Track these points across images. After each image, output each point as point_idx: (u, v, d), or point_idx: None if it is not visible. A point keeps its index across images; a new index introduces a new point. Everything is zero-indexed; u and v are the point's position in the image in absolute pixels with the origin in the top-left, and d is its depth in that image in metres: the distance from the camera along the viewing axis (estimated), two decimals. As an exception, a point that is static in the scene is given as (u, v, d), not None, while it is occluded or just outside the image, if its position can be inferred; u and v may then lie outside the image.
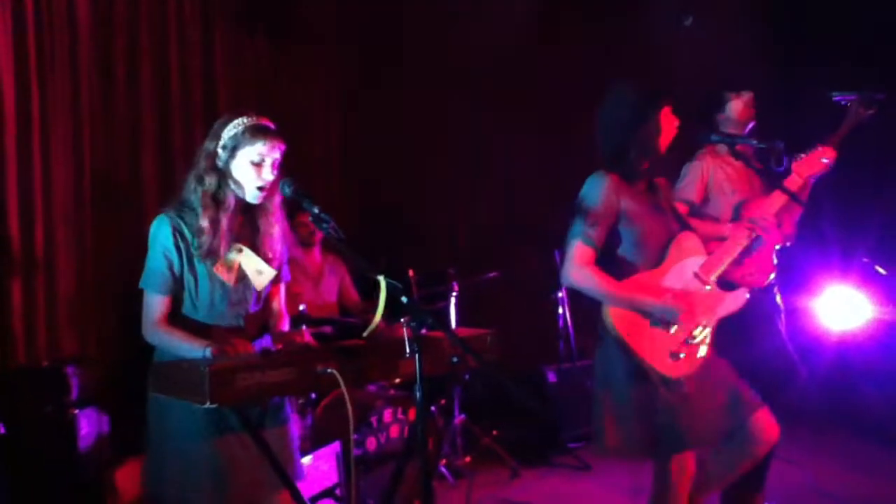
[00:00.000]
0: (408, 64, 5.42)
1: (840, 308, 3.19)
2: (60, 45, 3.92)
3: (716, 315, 2.60)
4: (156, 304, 2.30)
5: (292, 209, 4.03)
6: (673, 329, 2.51)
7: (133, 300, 2.38)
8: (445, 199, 5.71)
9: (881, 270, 3.19)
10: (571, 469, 4.44)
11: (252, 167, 2.31)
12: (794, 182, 2.84)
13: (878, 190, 3.82)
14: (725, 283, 2.66)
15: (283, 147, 2.35)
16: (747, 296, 2.64)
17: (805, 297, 3.43)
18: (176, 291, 2.32)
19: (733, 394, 2.60)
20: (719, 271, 2.64)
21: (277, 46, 4.98)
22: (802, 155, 2.86)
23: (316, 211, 2.18)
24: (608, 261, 2.57)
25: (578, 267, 2.52)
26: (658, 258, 2.58)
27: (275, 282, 2.49)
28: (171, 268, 2.30)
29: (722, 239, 2.99)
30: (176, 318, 2.33)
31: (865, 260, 3.28)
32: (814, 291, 3.46)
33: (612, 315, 2.52)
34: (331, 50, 5.31)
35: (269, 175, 2.32)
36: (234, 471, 2.27)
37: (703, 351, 2.56)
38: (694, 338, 2.53)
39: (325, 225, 2.17)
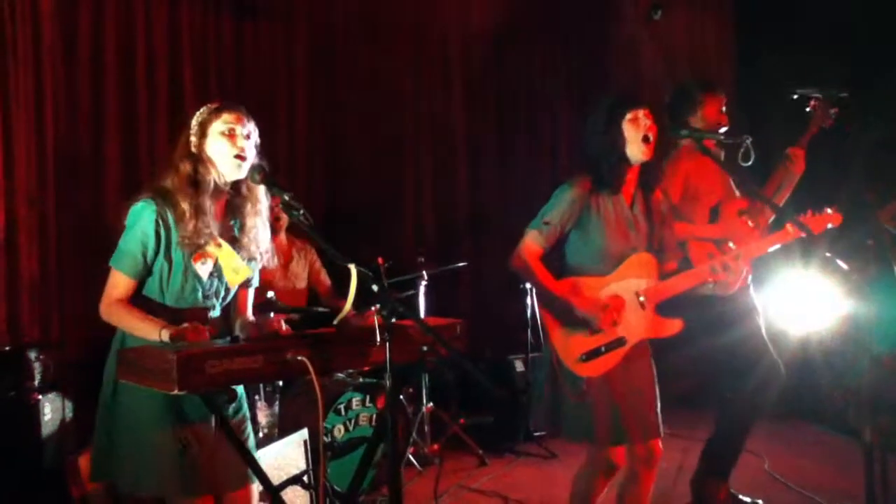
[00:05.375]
0: (376, 52, 5.37)
1: (802, 302, 3.26)
2: (22, 24, 3.83)
3: (641, 336, 2.69)
4: (121, 283, 2.26)
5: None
6: (589, 334, 2.62)
7: (96, 283, 2.32)
8: (414, 188, 5.69)
9: (842, 265, 3.25)
10: (538, 457, 4.48)
11: (224, 138, 2.28)
12: (788, 234, 2.89)
13: (836, 183, 3.90)
14: (667, 306, 2.73)
15: (252, 124, 2.33)
16: (679, 328, 2.72)
17: (767, 291, 3.50)
18: (142, 277, 2.28)
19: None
20: (661, 298, 2.71)
21: (243, 27, 4.88)
22: (810, 212, 2.95)
23: (286, 198, 2.16)
24: (559, 256, 2.71)
25: (522, 256, 2.67)
26: (611, 267, 2.68)
27: (245, 285, 2.46)
28: (143, 253, 2.25)
29: (697, 240, 3.04)
30: (138, 298, 2.28)
31: (827, 255, 3.33)
32: (775, 285, 3.52)
33: (540, 308, 2.71)
34: (298, 31, 5.14)
35: (243, 142, 2.30)
36: (191, 458, 2.22)
37: (613, 362, 2.65)
38: (607, 348, 2.63)
39: (295, 212, 2.15)
